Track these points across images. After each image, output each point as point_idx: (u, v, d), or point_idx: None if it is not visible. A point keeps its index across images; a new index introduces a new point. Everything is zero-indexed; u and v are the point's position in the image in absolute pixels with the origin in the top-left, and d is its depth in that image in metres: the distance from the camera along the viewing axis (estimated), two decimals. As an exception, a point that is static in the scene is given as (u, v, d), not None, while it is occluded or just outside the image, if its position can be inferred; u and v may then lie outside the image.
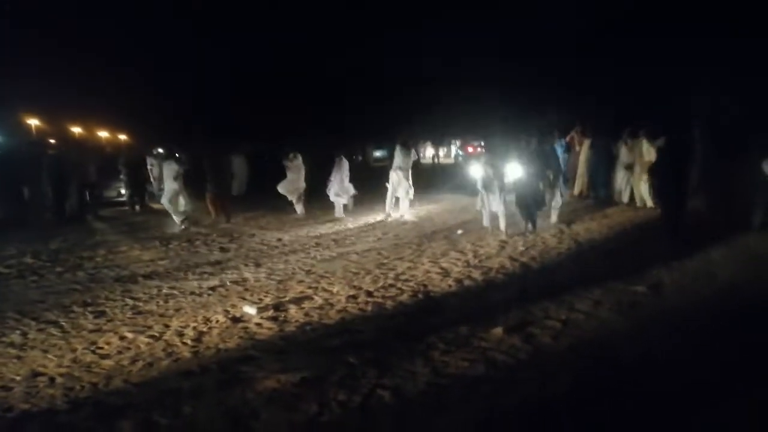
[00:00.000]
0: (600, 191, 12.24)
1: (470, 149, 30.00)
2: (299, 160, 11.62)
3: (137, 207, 13.70)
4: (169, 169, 10.58)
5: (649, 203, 10.56)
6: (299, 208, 11.68)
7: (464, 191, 14.89)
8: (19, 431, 3.22)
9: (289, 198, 11.67)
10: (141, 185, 14.09)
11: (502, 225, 8.52)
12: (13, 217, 11.29)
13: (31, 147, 12.14)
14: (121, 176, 13.96)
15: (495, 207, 8.73)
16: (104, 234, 10.07)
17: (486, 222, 8.95)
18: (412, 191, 10.90)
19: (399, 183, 10.81)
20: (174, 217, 10.42)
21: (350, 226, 10.37)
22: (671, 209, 7.89)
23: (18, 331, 4.87)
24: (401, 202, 11.05)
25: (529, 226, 8.66)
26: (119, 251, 8.40)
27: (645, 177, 10.25)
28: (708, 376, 3.55)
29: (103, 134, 42.72)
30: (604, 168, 12.05)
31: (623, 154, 11.35)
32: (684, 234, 7.52)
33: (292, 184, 11.59)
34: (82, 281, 6.63)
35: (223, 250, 8.36)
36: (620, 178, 11.55)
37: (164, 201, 10.65)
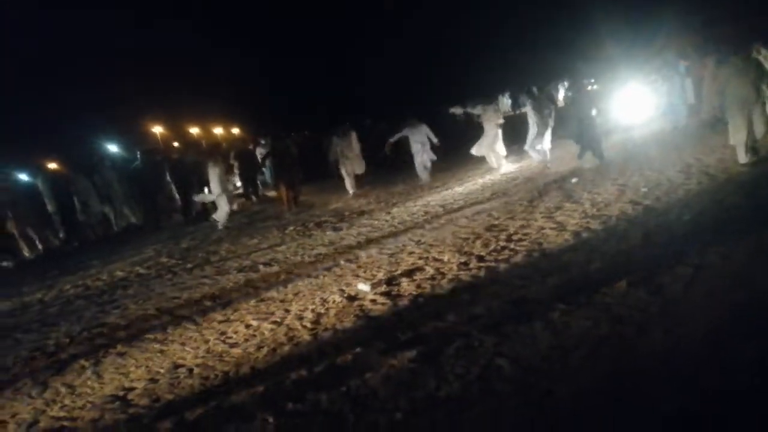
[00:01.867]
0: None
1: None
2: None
3: (253, 197, 14.42)
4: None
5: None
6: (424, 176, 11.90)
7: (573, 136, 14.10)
8: (166, 420, 3.49)
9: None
10: (253, 175, 14.74)
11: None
12: (148, 223, 12.41)
13: (153, 155, 13.13)
14: (235, 169, 14.73)
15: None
16: (227, 228, 10.70)
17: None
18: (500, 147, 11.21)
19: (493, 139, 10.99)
20: None
21: (458, 189, 10.18)
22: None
23: (159, 327, 5.31)
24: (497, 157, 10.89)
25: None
26: (240, 242, 8.90)
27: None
28: None
29: (218, 131, 45.40)
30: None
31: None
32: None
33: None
34: (210, 275, 7.10)
35: (335, 230, 8.55)
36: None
37: None
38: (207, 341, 4.71)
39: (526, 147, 10.94)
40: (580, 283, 4.29)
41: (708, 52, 11.51)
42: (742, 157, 7.31)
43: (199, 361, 4.33)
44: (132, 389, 4.04)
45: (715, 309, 3.46)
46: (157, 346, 4.85)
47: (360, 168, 12.12)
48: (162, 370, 4.28)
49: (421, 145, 11.65)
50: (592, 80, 23.09)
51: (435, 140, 11.69)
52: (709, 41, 12.36)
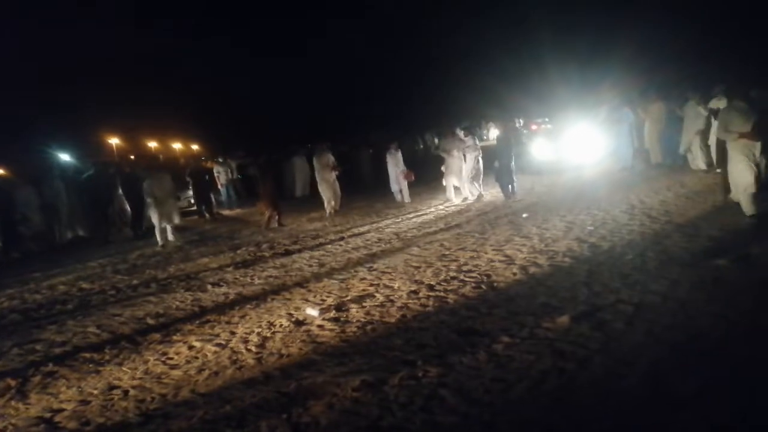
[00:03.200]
0: (674, 159, 11.55)
1: (534, 126, 29.09)
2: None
3: (207, 215, 14.16)
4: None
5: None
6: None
7: (527, 172, 14.51)
8: (95, 446, 3.34)
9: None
10: (207, 193, 14.53)
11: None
12: (96, 236, 12.00)
13: (106, 167, 12.78)
14: (189, 186, 14.49)
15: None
16: (176, 244, 10.45)
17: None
18: (466, 173, 11.24)
19: (451, 167, 11.25)
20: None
21: (412, 218, 10.27)
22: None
23: (97, 346, 5.10)
24: (461, 185, 11.11)
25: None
26: (190, 261, 8.70)
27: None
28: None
29: (177, 146, 44.67)
30: (677, 133, 11.34)
31: (696, 116, 10.59)
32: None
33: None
34: (156, 293, 6.90)
35: (287, 252, 8.47)
36: (694, 142, 10.79)
37: None
38: (146, 362, 4.56)
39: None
40: (525, 316, 4.37)
41: (651, 98, 12.12)
42: (750, 208, 6.31)
43: (135, 382, 4.18)
44: (60, 411, 3.86)
45: (654, 347, 3.58)
46: (92, 365, 4.66)
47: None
48: (95, 392, 4.11)
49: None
50: (546, 119, 23.88)
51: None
52: (652, 86, 12.99)
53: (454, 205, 11.05)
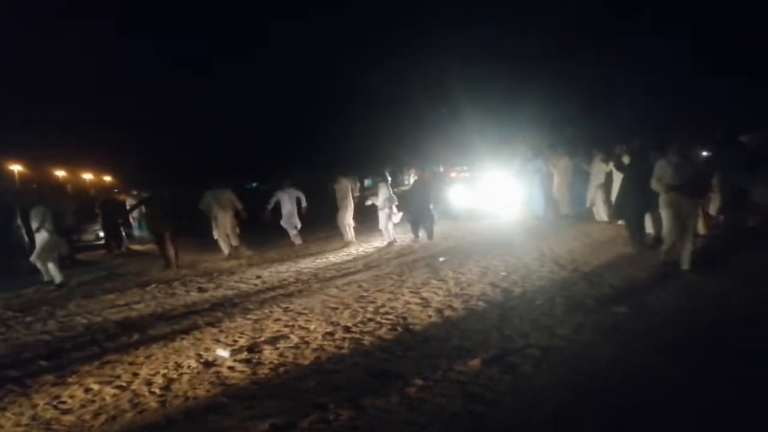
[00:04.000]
0: (579, 210, 12.27)
1: (453, 174, 30.07)
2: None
3: (115, 250, 13.44)
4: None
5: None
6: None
7: (445, 218, 14.90)
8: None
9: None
10: (117, 228, 13.82)
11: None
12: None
13: (4, 195, 11.90)
14: (98, 219, 13.75)
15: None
16: (80, 279, 9.82)
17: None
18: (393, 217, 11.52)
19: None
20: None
21: (332, 258, 10.23)
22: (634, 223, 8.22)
23: (-22, 390, 4.64)
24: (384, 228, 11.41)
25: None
26: (94, 296, 8.18)
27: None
28: (693, 398, 3.43)
29: (88, 176, 42.51)
30: (582, 187, 12.11)
31: (599, 171, 11.38)
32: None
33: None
34: (52, 331, 6.41)
35: (200, 290, 8.17)
36: (598, 196, 11.56)
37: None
38: (35, 406, 4.18)
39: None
40: (438, 358, 4.42)
41: (559, 152, 12.93)
42: (686, 262, 6.66)
43: (20, 429, 3.82)
44: (-70, 461, 3.46)
45: (560, 391, 3.71)
46: (-29, 410, 4.22)
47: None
48: (-28, 439, 3.72)
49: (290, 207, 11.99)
50: (465, 168, 24.75)
51: (304, 205, 12.05)
52: (560, 141, 13.89)
53: (372, 247, 11.14)
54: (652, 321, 4.99)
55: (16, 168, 34.18)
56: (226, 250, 11.33)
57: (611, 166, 10.80)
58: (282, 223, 12.07)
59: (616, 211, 8.69)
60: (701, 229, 8.60)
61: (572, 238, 9.93)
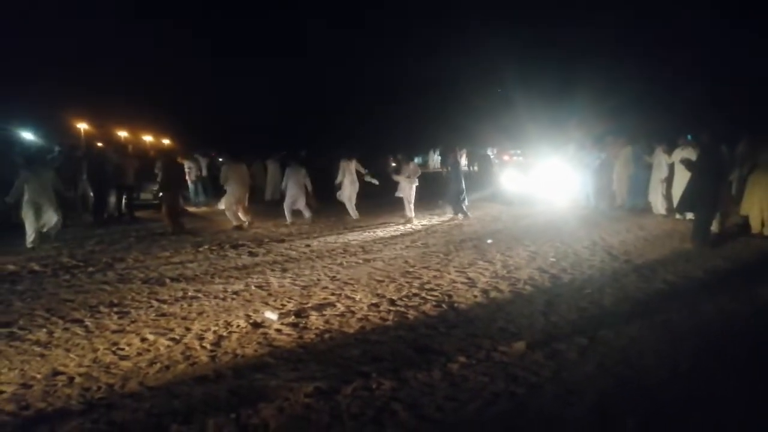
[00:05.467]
0: (637, 201, 11.91)
1: (506, 157, 29.61)
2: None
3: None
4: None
5: (689, 215, 10.18)
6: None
7: (496, 201, 14.74)
8: (32, 431, 3.23)
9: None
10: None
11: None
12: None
13: (72, 150, 12.42)
14: (158, 179, 14.19)
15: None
16: (138, 236, 10.24)
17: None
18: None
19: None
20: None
21: (379, 233, 10.30)
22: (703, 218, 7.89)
23: (45, 330, 4.95)
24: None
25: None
26: (150, 253, 8.52)
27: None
28: (741, 397, 3.33)
29: (148, 138, 43.83)
30: (642, 177, 11.73)
31: (661, 163, 10.99)
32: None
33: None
34: (112, 282, 6.73)
35: (251, 254, 8.39)
36: (658, 188, 11.19)
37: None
38: (96, 350, 4.44)
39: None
40: (482, 338, 4.43)
41: (621, 142, 12.50)
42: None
43: (82, 370, 4.06)
44: None
45: (604, 380, 3.67)
46: (38, 348, 4.51)
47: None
48: (38, 376, 3.97)
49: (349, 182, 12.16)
50: (518, 152, 24.31)
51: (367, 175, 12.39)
52: (623, 130, 13.42)
53: (421, 225, 11.15)
54: (705, 320, 4.84)
55: (82, 126, 35.60)
56: (289, 219, 11.77)
57: (673, 158, 10.43)
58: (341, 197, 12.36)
59: (686, 205, 8.39)
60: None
61: (626, 229, 9.68)
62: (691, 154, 9.91)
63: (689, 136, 10.97)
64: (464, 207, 11.73)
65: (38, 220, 9.04)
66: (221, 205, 11.59)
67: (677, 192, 10.34)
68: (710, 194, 7.77)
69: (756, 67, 19.48)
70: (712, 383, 3.58)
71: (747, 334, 4.51)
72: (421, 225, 11.20)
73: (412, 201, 11.65)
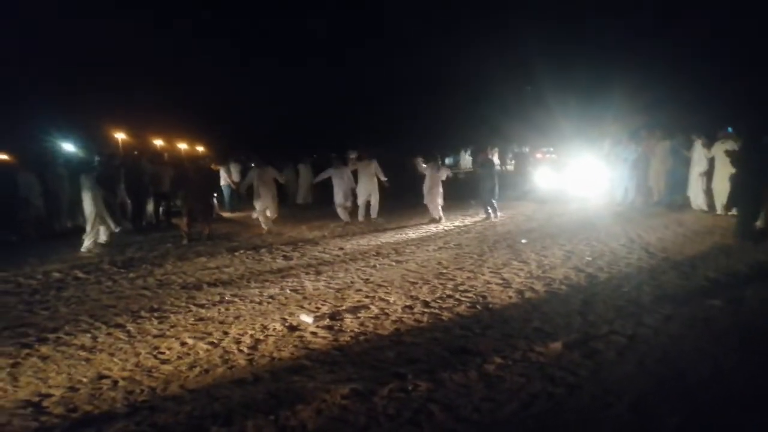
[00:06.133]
0: (675, 197, 11.64)
1: (539, 155, 29.24)
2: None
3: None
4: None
5: (731, 210, 9.91)
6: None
7: (529, 199, 14.59)
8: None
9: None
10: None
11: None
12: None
13: (111, 159, 12.79)
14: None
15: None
16: (175, 242, 10.46)
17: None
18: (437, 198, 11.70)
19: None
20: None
21: (411, 234, 10.30)
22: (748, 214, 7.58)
23: (89, 335, 5.11)
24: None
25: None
26: (187, 259, 8.71)
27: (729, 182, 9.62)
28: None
29: (183, 146, 44.75)
30: (679, 172, 11.45)
31: (700, 157, 10.71)
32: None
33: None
34: (152, 287, 6.91)
35: (285, 258, 8.49)
36: (697, 183, 10.90)
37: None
38: (138, 354, 4.56)
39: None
40: (518, 339, 4.39)
41: (657, 136, 12.22)
42: None
43: (126, 374, 4.18)
44: (48, 396, 3.86)
45: (643, 379, 3.60)
46: (83, 353, 4.66)
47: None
48: (84, 379, 4.11)
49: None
50: (551, 149, 23.99)
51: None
52: (658, 124, 13.11)
53: (453, 225, 11.11)
54: (748, 317, 4.71)
55: (120, 136, 36.58)
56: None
57: (713, 151, 10.16)
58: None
59: (730, 199, 8.20)
60: None
61: (664, 226, 9.46)
62: (732, 146, 9.64)
63: (729, 129, 10.67)
64: (495, 206, 11.64)
65: (95, 227, 9.51)
66: (255, 212, 11.76)
67: (718, 187, 10.09)
68: (753, 189, 7.56)
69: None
70: (754, 383, 3.47)
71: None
72: (454, 226, 11.16)
73: (440, 201, 11.63)
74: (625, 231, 9.07)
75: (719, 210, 10.22)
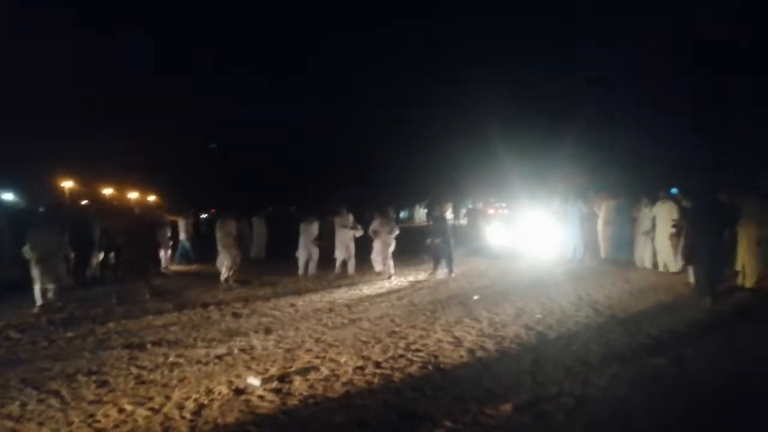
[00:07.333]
0: (621, 254, 12.03)
1: (492, 210, 29.87)
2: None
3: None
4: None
5: (672, 268, 10.30)
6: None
7: (482, 255, 14.80)
8: None
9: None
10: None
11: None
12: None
13: (54, 209, 12.34)
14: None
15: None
16: (121, 298, 10.07)
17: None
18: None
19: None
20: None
21: (365, 291, 10.24)
22: (708, 271, 7.75)
23: (18, 402, 4.78)
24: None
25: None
26: (132, 316, 8.37)
27: (669, 240, 10.03)
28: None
29: (133, 195, 43.70)
30: (625, 231, 11.90)
31: (644, 217, 11.20)
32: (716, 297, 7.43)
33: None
34: (91, 348, 6.57)
35: (235, 315, 8.28)
36: (642, 241, 11.35)
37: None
38: (70, 423, 4.29)
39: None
40: (469, 401, 4.36)
41: (604, 195, 12.74)
42: None
43: (56, 444, 3.92)
44: (-30, 471, 3.57)
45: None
46: (9, 423, 4.35)
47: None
48: (10, 452, 3.83)
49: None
50: (503, 204, 24.57)
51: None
52: (605, 185, 13.71)
53: (406, 281, 11.13)
54: (691, 376, 4.83)
55: (67, 184, 35.54)
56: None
57: (654, 211, 10.62)
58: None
59: (685, 257, 8.54)
60: (750, 281, 8.32)
61: (611, 283, 9.73)
62: (671, 208, 10.13)
63: (674, 190, 11.25)
64: (451, 261, 11.69)
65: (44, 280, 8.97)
66: (222, 265, 11.44)
67: (661, 245, 10.53)
68: (710, 246, 7.77)
69: (738, 119, 20.22)
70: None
71: (736, 390, 4.48)
72: (408, 281, 11.17)
73: (389, 255, 11.79)
74: (574, 288, 9.27)
75: (661, 267, 10.63)
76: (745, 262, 8.46)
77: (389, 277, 11.55)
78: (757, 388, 4.48)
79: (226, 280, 11.12)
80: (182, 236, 16.20)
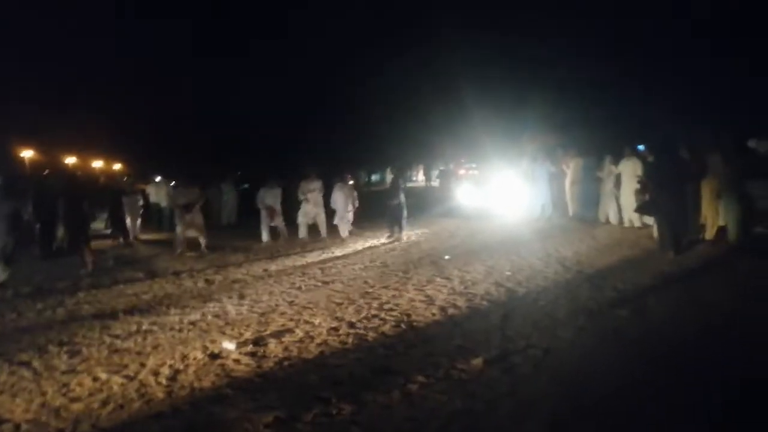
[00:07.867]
0: (588, 212, 12.27)
1: (462, 171, 30.01)
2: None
3: (121, 240, 13.42)
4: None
5: (637, 223, 10.58)
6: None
7: (453, 216, 14.95)
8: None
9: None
10: (123, 216, 13.78)
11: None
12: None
13: (16, 180, 11.96)
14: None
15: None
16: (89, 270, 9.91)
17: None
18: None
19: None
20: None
21: (337, 253, 10.30)
22: (672, 225, 7.96)
23: (-11, 374, 4.74)
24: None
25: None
26: (102, 286, 8.28)
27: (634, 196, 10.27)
28: (689, 403, 3.47)
29: (98, 164, 42.58)
30: (592, 189, 12.12)
31: (609, 174, 11.41)
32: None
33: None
34: (62, 318, 6.51)
35: (207, 282, 8.26)
36: (607, 198, 11.59)
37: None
38: (44, 393, 4.27)
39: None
40: (441, 357, 4.48)
41: (571, 154, 12.90)
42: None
43: (30, 416, 3.90)
44: (-58, 445, 3.55)
45: (557, 394, 3.76)
46: (-18, 395, 4.32)
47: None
48: (-17, 425, 3.81)
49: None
50: (474, 165, 24.69)
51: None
52: (573, 143, 13.86)
53: (379, 242, 11.21)
54: (652, 326, 5.04)
55: (27, 154, 34.35)
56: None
57: (620, 168, 10.82)
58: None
59: (640, 210, 8.81)
60: (710, 234, 8.60)
61: (579, 240, 9.96)
62: (636, 164, 10.33)
63: (640, 147, 11.44)
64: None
65: None
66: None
67: (625, 202, 10.77)
68: (671, 200, 7.96)
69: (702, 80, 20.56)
70: (663, 393, 3.70)
71: (689, 342, 4.68)
72: (380, 243, 11.25)
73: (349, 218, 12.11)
74: (543, 246, 9.47)
75: (626, 223, 10.91)
76: (707, 215, 8.74)
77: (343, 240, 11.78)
78: (714, 336, 4.69)
79: (183, 248, 11.10)
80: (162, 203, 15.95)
